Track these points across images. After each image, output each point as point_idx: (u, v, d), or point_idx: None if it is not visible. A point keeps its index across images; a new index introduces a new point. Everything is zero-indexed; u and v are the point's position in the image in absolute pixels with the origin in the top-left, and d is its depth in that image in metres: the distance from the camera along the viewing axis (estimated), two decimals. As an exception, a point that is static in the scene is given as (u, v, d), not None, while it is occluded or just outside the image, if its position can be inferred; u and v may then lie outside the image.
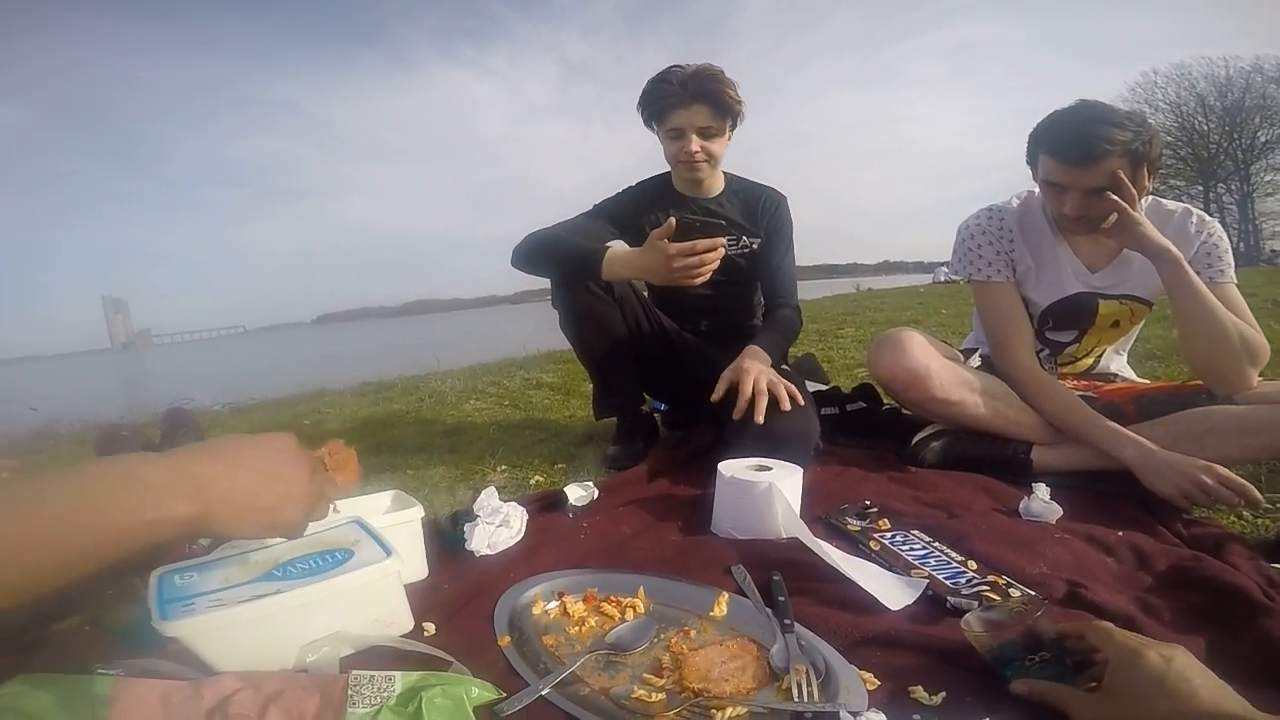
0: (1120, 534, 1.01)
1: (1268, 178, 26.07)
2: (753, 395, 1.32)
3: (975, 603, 0.79)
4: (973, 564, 0.91)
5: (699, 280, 1.31)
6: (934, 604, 0.82)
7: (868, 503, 1.16)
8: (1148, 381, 1.54)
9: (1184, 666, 0.56)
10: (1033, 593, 0.82)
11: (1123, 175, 1.19)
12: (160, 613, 0.65)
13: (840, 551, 0.95)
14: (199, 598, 0.67)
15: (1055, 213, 1.34)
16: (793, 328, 1.62)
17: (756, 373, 1.36)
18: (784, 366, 1.75)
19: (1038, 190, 1.37)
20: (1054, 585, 0.84)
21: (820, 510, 1.15)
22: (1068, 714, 0.59)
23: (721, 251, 1.29)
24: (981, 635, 0.68)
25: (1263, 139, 25.66)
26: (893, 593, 0.82)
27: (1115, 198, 1.20)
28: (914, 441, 1.44)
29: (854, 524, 1.08)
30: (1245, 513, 1.10)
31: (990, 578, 0.86)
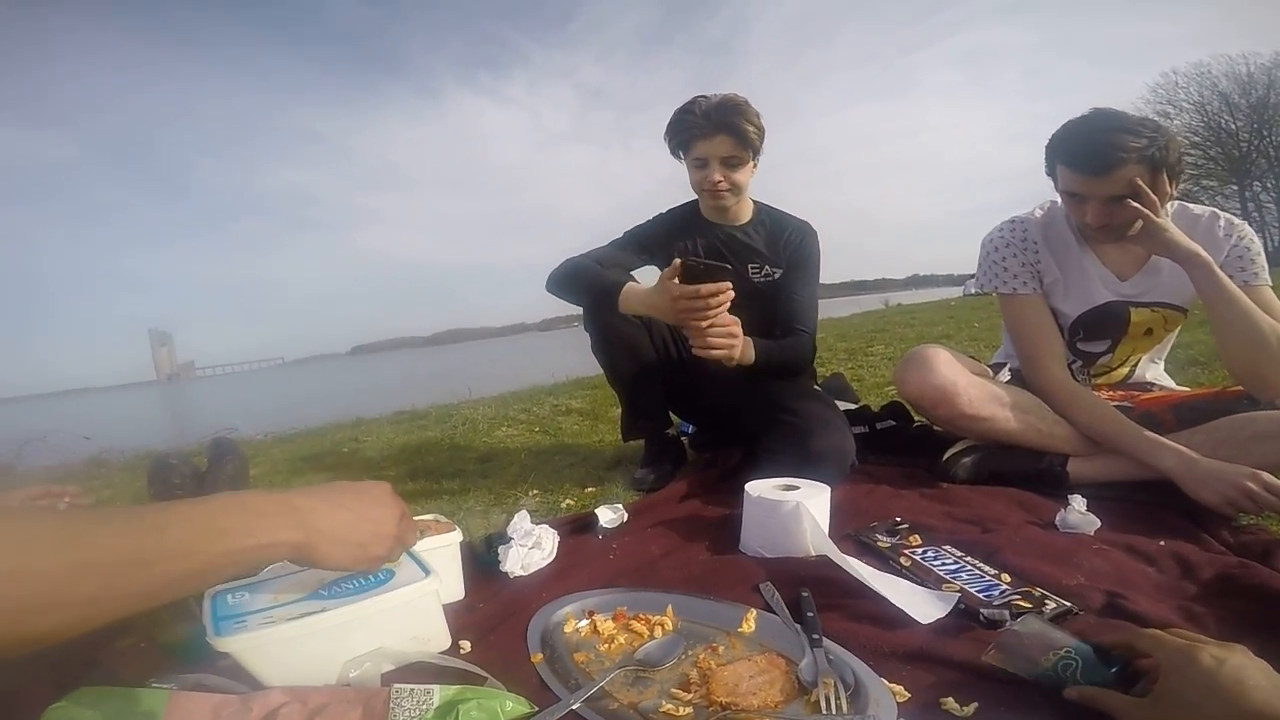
0: (1162, 543, 0.99)
1: (1303, 174, 25.42)
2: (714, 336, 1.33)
3: (1005, 612, 0.79)
4: (1007, 577, 0.90)
5: (705, 323, 1.31)
6: (966, 617, 0.81)
7: (898, 519, 1.16)
8: (1186, 389, 1.51)
9: (1237, 667, 0.54)
10: (1068, 604, 0.81)
11: (1141, 182, 1.18)
12: (214, 629, 0.69)
13: (870, 568, 0.95)
14: (250, 615, 0.71)
15: (1078, 222, 1.33)
16: (797, 347, 1.60)
17: (735, 327, 1.37)
18: (815, 387, 1.76)
19: (1060, 200, 1.37)
20: (1091, 596, 0.83)
21: (850, 528, 1.14)
22: None
23: (728, 295, 1.28)
24: (1012, 659, 0.67)
25: (1293, 136, 25.09)
26: (923, 607, 0.82)
27: (1137, 205, 1.19)
28: (945, 457, 1.43)
29: (884, 541, 1.08)
30: (1293, 520, 1.06)
31: (1024, 589, 0.86)
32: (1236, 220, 1.33)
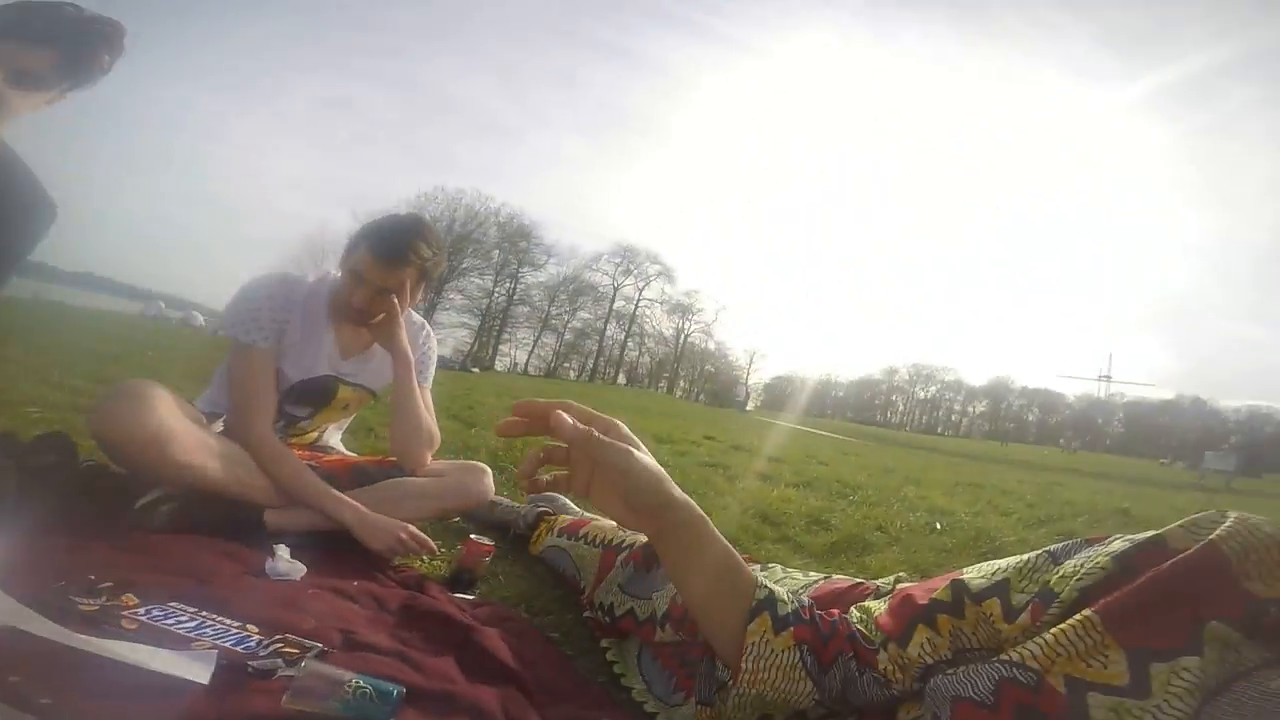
0: (356, 583, 1.18)
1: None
2: None
3: (279, 660, 0.79)
4: (253, 627, 0.88)
5: None
6: (235, 672, 0.76)
7: (93, 577, 0.93)
8: (355, 455, 1.83)
9: None
10: (318, 644, 0.87)
11: (410, 284, 1.48)
12: None
13: (85, 635, 0.74)
14: None
15: (344, 300, 1.49)
16: None
17: None
18: None
19: (336, 273, 1.51)
20: (331, 635, 0.92)
21: (29, 589, 0.84)
22: None
23: None
24: (315, 701, 0.69)
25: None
26: (192, 668, 0.71)
27: (395, 301, 1.47)
28: (139, 505, 1.24)
29: (89, 603, 0.85)
30: (424, 558, 1.46)
31: (276, 637, 0.86)
32: (430, 329, 1.78)
